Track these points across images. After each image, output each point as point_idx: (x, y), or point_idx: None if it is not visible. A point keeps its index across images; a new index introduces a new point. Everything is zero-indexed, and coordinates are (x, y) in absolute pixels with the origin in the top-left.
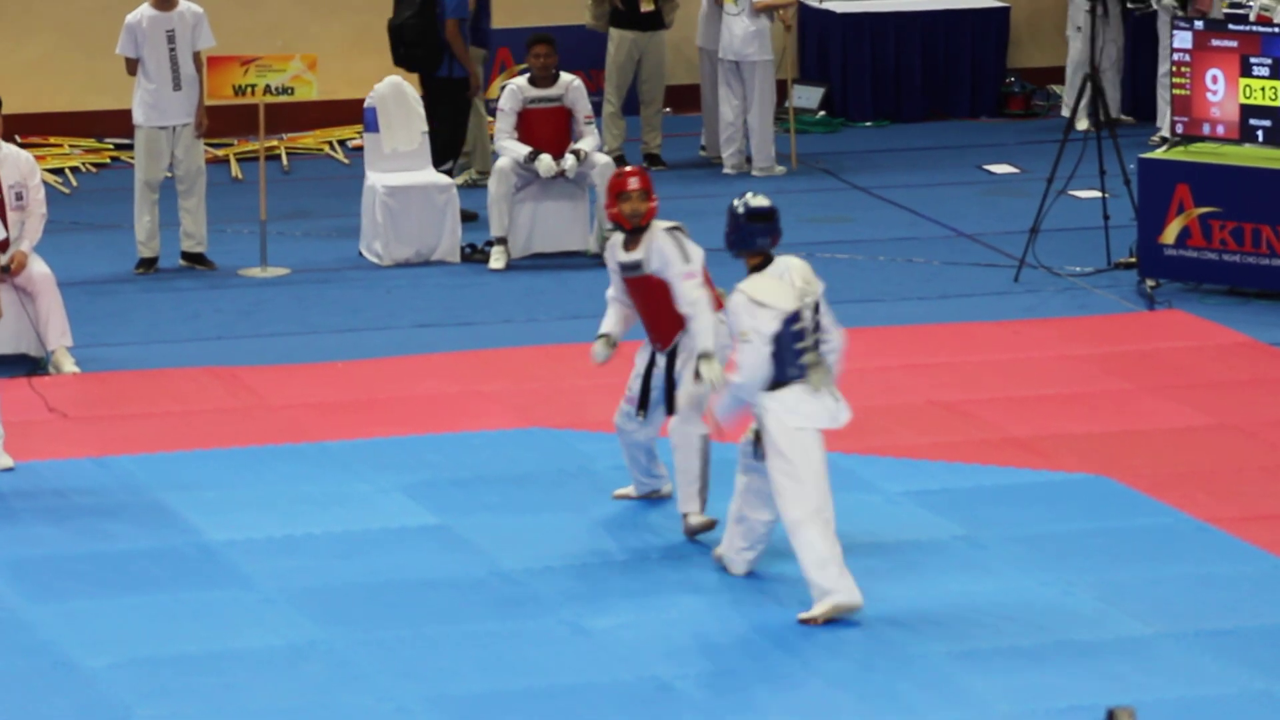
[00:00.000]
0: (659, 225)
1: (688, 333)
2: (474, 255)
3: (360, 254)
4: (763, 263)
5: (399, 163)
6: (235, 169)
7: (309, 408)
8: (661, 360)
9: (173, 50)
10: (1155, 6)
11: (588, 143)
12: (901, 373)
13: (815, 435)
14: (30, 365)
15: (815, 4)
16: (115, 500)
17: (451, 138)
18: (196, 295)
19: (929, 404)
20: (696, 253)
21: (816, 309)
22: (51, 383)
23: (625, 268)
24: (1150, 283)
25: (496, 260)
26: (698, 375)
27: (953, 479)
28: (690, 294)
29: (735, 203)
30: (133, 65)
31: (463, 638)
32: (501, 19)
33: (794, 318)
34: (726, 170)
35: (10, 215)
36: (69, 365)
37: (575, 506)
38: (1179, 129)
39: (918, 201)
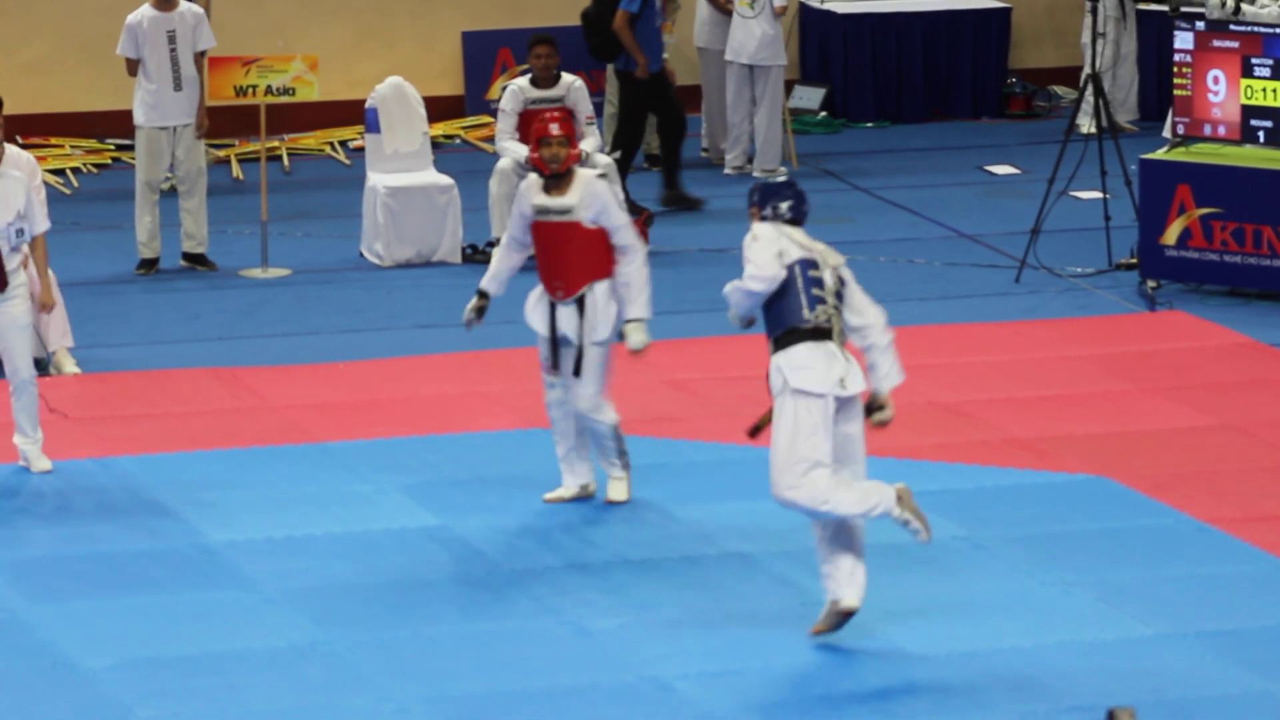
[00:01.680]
0: (588, 172)
1: (616, 284)
2: (475, 256)
3: (361, 255)
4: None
5: (400, 163)
6: (236, 170)
7: (310, 408)
8: (563, 311)
9: (173, 51)
10: (1208, 15)
11: (589, 143)
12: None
13: (821, 403)
14: None
15: (816, 4)
16: (116, 501)
17: (628, 129)
18: (197, 296)
19: (930, 405)
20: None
21: (842, 283)
22: (52, 383)
23: (546, 211)
24: (1151, 283)
25: None
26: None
27: (953, 480)
28: (634, 241)
29: (760, 180)
30: (133, 66)
31: (463, 638)
32: (503, 19)
33: (810, 263)
34: (727, 170)
35: None
36: (70, 366)
37: (576, 507)
38: (1180, 130)
39: (919, 202)
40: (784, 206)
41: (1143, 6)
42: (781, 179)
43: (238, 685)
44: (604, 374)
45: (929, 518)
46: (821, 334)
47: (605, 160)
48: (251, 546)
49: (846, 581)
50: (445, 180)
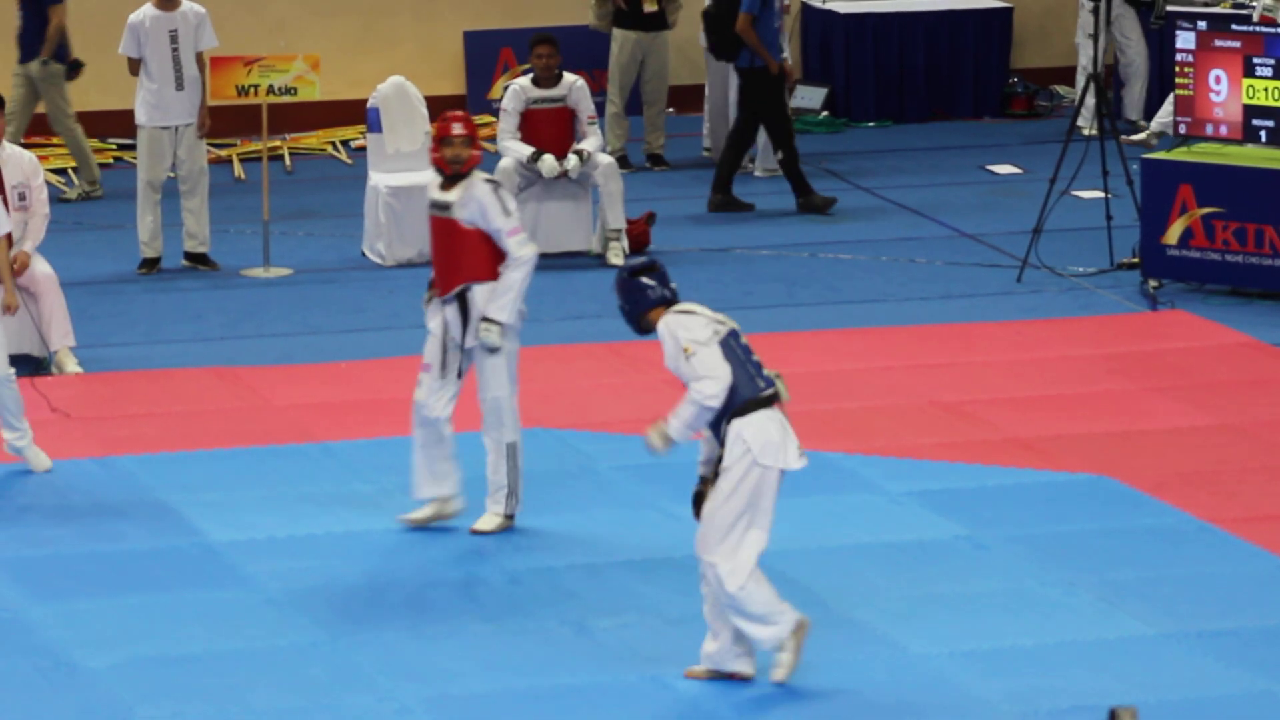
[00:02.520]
0: (479, 175)
1: (494, 288)
2: None
3: (363, 254)
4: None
5: (402, 163)
6: (238, 169)
7: (311, 408)
8: (447, 310)
9: (175, 50)
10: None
11: (591, 143)
12: (904, 373)
13: (777, 476)
14: (33, 365)
15: (818, 4)
16: (117, 500)
17: (774, 128)
18: (199, 295)
19: (931, 404)
20: (515, 207)
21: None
22: (54, 383)
23: (435, 205)
24: (1153, 283)
25: None
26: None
27: (955, 479)
28: (518, 250)
29: (619, 274)
30: (135, 65)
31: (464, 638)
32: (505, 19)
33: (735, 334)
34: (757, 174)
35: (13, 215)
36: (72, 365)
37: (577, 506)
38: (1182, 129)
39: (920, 202)
40: (670, 286)
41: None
42: (635, 262)
43: (239, 685)
44: (504, 381)
45: (931, 517)
46: (774, 399)
47: (607, 160)
48: (253, 546)
49: (749, 654)
50: None
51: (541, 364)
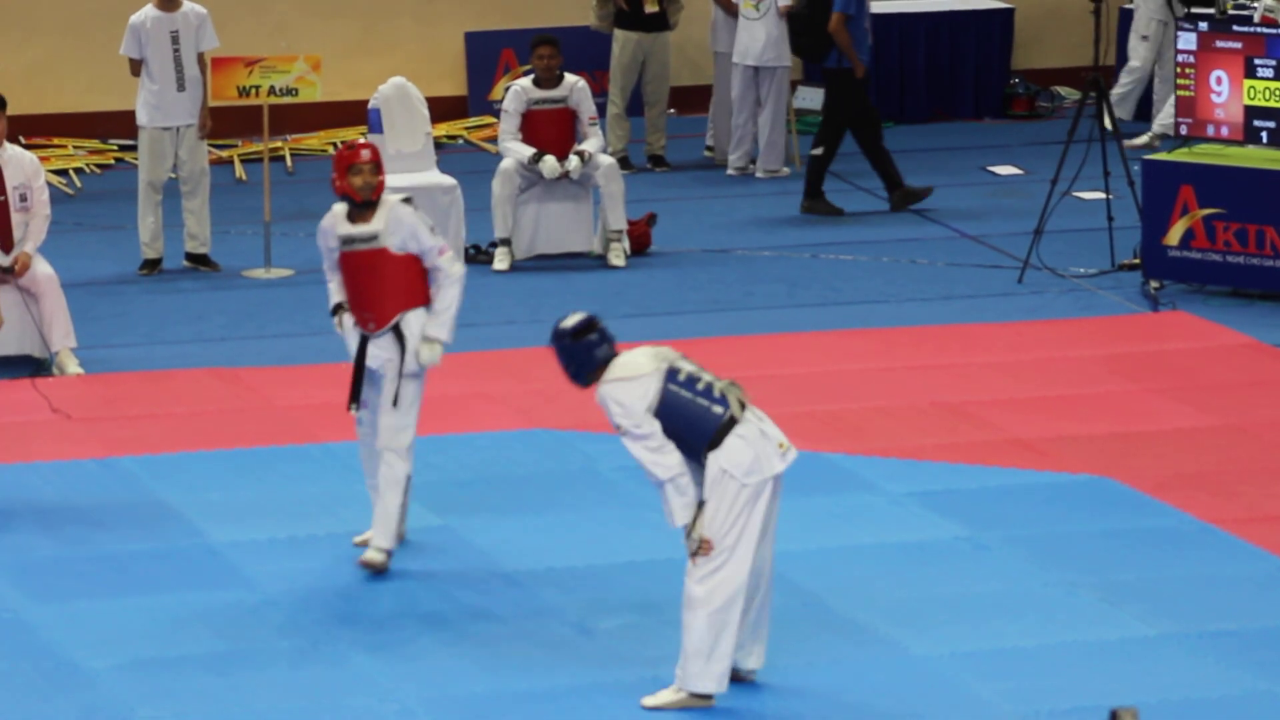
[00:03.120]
0: (393, 198)
1: (431, 309)
2: (478, 257)
3: None
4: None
5: (403, 164)
6: (239, 170)
7: (312, 409)
8: (377, 343)
9: (176, 51)
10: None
11: (592, 144)
12: (905, 374)
13: (765, 489)
14: (34, 366)
15: None
16: (118, 501)
17: (831, 128)
18: (200, 296)
19: (932, 405)
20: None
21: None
22: (55, 384)
23: (353, 240)
24: (1154, 284)
25: (500, 262)
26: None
27: (956, 480)
28: (450, 267)
29: (554, 334)
30: (136, 66)
31: (465, 638)
32: (506, 20)
33: (672, 372)
34: (730, 171)
35: (15, 216)
36: (73, 366)
37: (578, 507)
38: (1183, 130)
39: (921, 202)
40: (609, 338)
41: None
42: (573, 322)
43: (240, 686)
44: (416, 409)
45: (932, 518)
46: (739, 416)
47: (609, 161)
48: (254, 547)
49: (744, 651)
50: (448, 181)
51: (543, 365)
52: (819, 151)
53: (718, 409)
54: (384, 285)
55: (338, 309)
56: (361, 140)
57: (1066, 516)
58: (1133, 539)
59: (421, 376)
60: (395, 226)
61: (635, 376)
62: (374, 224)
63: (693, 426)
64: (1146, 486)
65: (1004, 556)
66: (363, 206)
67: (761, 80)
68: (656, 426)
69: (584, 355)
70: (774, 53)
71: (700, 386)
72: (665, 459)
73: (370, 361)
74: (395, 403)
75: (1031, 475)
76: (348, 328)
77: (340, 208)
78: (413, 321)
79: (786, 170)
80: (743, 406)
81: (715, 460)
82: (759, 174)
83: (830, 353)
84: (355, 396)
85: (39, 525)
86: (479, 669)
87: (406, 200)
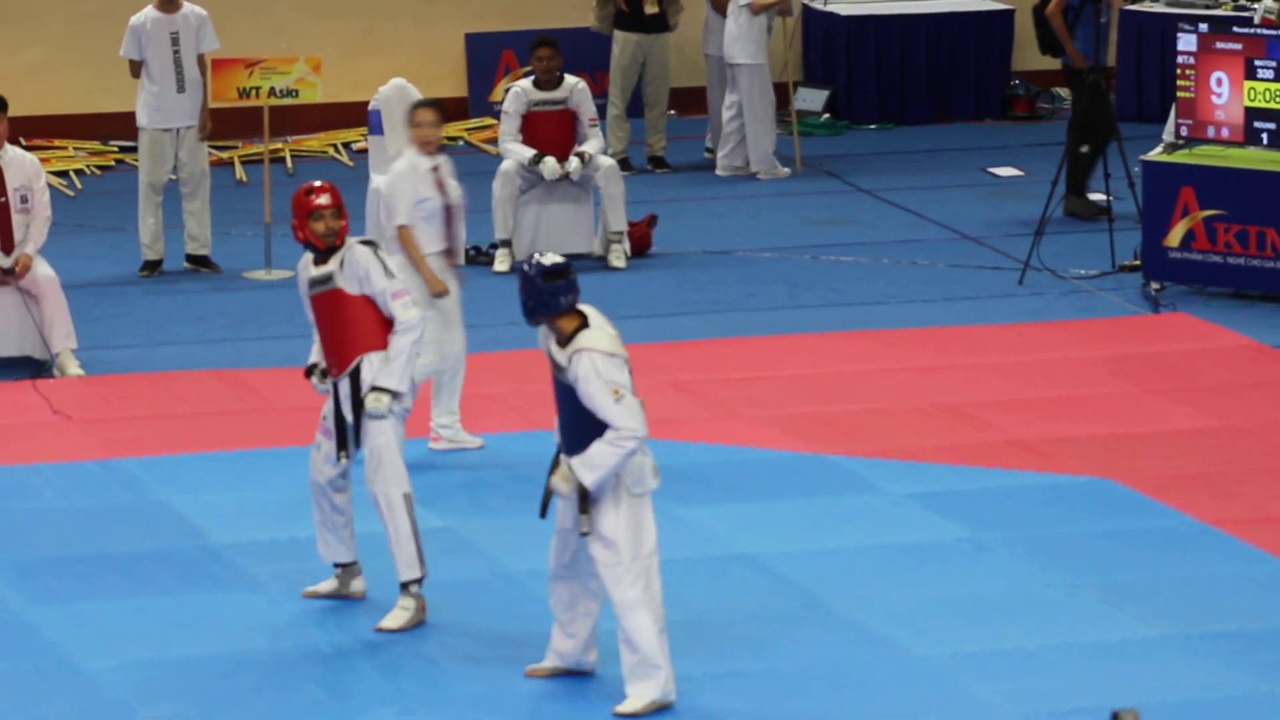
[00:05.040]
0: (352, 240)
1: (384, 356)
2: (478, 258)
3: None
4: (581, 322)
5: None
6: (240, 171)
7: (314, 410)
8: (342, 387)
9: (176, 53)
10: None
11: (592, 145)
12: (905, 375)
13: (649, 499)
14: (35, 368)
15: (820, 6)
16: (119, 503)
17: (1084, 124)
18: (201, 298)
19: (933, 406)
20: (396, 268)
21: None
22: (56, 385)
23: (314, 283)
24: (1155, 285)
25: (501, 263)
26: (361, 406)
27: (957, 481)
28: (403, 315)
29: (525, 267)
30: (136, 67)
31: (466, 640)
32: (506, 21)
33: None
34: (718, 172)
35: (15, 218)
36: (73, 368)
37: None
38: (1183, 132)
39: (922, 204)
40: (575, 291)
41: (1140, 8)
42: (549, 262)
43: (242, 687)
44: (391, 451)
45: (933, 519)
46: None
47: (609, 162)
48: (255, 548)
49: (585, 648)
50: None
51: (544, 366)
52: (1085, 149)
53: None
54: (342, 329)
55: (310, 370)
56: (319, 183)
57: (1067, 518)
58: (1133, 540)
59: (392, 419)
60: (350, 268)
61: (616, 355)
62: (330, 264)
63: (602, 425)
64: (1147, 488)
65: (1004, 557)
66: (326, 252)
67: (734, 76)
68: (636, 399)
69: (547, 296)
70: (737, 47)
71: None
72: (630, 437)
73: (342, 407)
74: (357, 444)
75: (1032, 476)
76: (316, 385)
77: (309, 253)
78: (370, 367)
79: (786, 171)
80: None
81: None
82: (760, 176)
83: (831, 354)
84: (342, 445)
85: (39, 526)
86: (481, 669)
87: (367, 243)
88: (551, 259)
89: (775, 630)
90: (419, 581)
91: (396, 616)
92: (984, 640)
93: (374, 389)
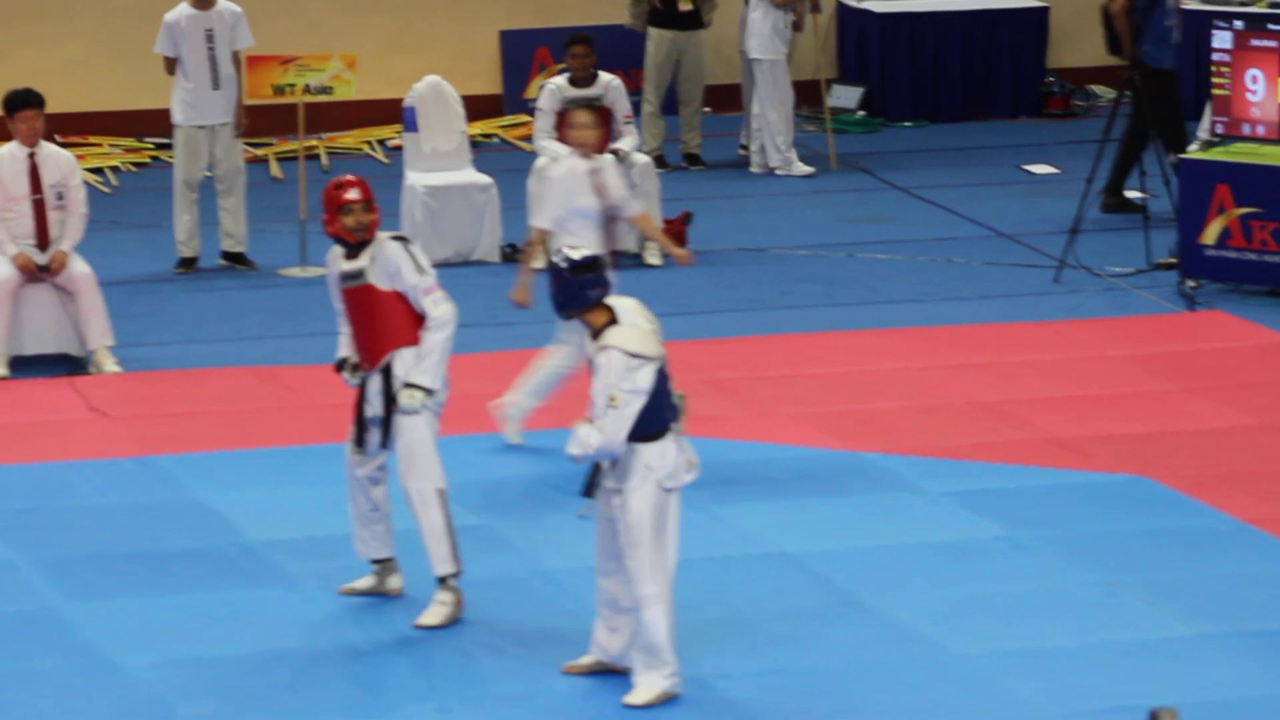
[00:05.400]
0: (383, 235)
1: (416, 352)
2: (514, 255)
3: None
4: (610, 317)
5: (438, 162)
6: (275, 168)
7: (350, 408)
8: (373, 383)
9: (211, 49)
10: None
11: (627, 142)
12: (942, 373)
13: (678, 495)
14: (71, 365)
15: (854, 3)
16: (156, 500)
17: (1166, 127)
18: (237, 295)
19: (970, 404)
20: (429, 263)
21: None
22: (92, 382)
23: (347, 277)
24: (1191, 283)
25: (537, 260)
26: (395, 401)
27: (994, 479)
28: (435, 311)
29: (555, 259)
30: (171, 64)
31: (503, 637)
32: (540, 18)
33: (661, 370)
34: (752, 169)
35: (51, 215)
36: (110, 364)
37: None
38: (1219, 129)
39: (957, 201)
40: (606, 285)
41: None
42: (578, 256)
43: (278, 684)
44: (426, 447)
45: (970, 517)
46: (676, 428)
47: (644, 159)
48: (292, 545)
49: (629, 645)
50: (484, 179)
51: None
52: (1174, 160)
53: (669, 413)
54: (374, 324)
55: (341, 364)
56: (348, 178)
57: (1104, 516)
58: (1170, 538)
59: (426, 414)
60: (381, 263)
61: (643, 357)
62: (361, 260)
63: (643, 418)
64: (1184, 486)
65: (1042, 556)
66: (357, 246)
67: (755, 71)
68: (635, 413)
69: (576, 290)
70: (754, 42)
71: (667, 386)
72: (600, 443)
73: (367, 408)
74: (384, 443)
75: (1069, 475)
76: (348, 379)
77: (340, 248)
78: (402, 363)
79: (809, 169)
80: (679, 421)
81: (643, 455)
82: (778, 172)
83: (867, 352)
84: (359, 440)
85: (76, 523)
86: (517, 666)
87: (399, 238)
88: (581, 253)
89: (812, 628)
90: (455, 576)
91: (435, 613)
92: (1021, 639)
93: (407, 385)
